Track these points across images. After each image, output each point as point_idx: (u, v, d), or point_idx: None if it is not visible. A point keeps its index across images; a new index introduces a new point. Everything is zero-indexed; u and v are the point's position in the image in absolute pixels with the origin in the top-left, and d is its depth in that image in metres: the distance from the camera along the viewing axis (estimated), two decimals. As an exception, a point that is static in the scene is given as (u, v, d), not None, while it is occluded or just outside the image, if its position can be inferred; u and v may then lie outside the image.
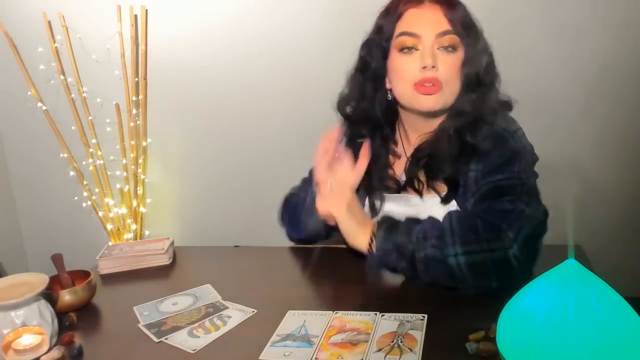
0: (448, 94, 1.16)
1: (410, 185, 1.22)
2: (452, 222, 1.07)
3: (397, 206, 1.23)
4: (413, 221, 1.12)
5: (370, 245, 1.11)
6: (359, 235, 1.13)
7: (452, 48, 1.14)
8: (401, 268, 1.09)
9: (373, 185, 1.26)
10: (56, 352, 0.92)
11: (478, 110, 1.16)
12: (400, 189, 1.24)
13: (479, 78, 1.16)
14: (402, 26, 1.16)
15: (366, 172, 1.24)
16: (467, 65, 1.16)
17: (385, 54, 1.20)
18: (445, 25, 1.14)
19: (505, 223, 1.03)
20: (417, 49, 1.15)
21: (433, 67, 1.13)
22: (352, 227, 1.14)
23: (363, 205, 1.26)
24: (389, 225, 1.12)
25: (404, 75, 1.16)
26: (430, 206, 1.19)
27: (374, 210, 1.26)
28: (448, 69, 1.14)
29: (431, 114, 1.19)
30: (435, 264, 1.04)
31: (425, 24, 1.14)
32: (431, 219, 1.11)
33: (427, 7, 1.15)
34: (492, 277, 1.01)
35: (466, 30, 1.15)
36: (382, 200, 1.26)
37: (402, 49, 1.16)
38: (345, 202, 1.15)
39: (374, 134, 1.27)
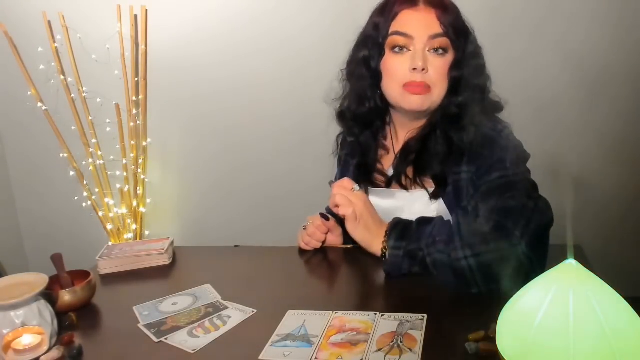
0: (435, 95, 1.19)
1: (397, 179, 1.24)
2: (459, 225, 1.08)
3: (382, 200, 1.25)
4: (424, 222, 1.14)
5: (383, 251, 1.14)
6: (374, 243, 1.16)
7: (443, 50, 1.17)
8: (416, 272, 1.11)
9: (361, 177, 1.29)
10: (56, 352, 0.92)
11: (465, 111, 1.18)
12: (387, 183, 1.27)
13: (467, 81, 1.19)
14: (396, 26, 1.19)
15: (356, 164, 1.30)
16: (456, 68, 1.18)
17: (381, 52, 1.21)
18: (437, 28, 1.16)
19: (510, 221, 1.04)
20: (408, 50, 1.17)
21: (423, 69, 1.16)
22: (364, 235, 1.17)
23: None
24: (399, 231, 1.14)
25: (395, 75, 1.19)
26: (414, 201, 1.22)
27: None
28: (437, 71, 1.17)
29: (418, 114, 1.22)
30: (444, 268, 1.06)
31: (418, 26, 1.17)
32: (441, 220, 1.13)
33: (421, 9, 1.18)
34: (505, 277, 1.01)
35: (457, 34, 1.18)
36: (367, 193, 1.28)
37: (394, 48, 1.18)
38: (354, 211, 1.16)
39: (365, 128, 1.29)
